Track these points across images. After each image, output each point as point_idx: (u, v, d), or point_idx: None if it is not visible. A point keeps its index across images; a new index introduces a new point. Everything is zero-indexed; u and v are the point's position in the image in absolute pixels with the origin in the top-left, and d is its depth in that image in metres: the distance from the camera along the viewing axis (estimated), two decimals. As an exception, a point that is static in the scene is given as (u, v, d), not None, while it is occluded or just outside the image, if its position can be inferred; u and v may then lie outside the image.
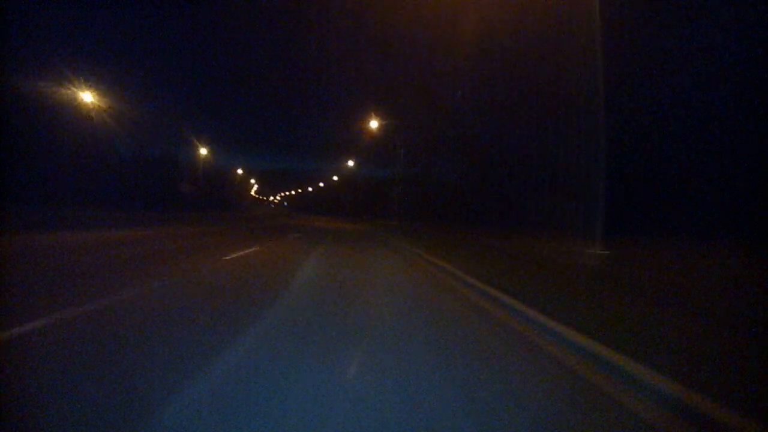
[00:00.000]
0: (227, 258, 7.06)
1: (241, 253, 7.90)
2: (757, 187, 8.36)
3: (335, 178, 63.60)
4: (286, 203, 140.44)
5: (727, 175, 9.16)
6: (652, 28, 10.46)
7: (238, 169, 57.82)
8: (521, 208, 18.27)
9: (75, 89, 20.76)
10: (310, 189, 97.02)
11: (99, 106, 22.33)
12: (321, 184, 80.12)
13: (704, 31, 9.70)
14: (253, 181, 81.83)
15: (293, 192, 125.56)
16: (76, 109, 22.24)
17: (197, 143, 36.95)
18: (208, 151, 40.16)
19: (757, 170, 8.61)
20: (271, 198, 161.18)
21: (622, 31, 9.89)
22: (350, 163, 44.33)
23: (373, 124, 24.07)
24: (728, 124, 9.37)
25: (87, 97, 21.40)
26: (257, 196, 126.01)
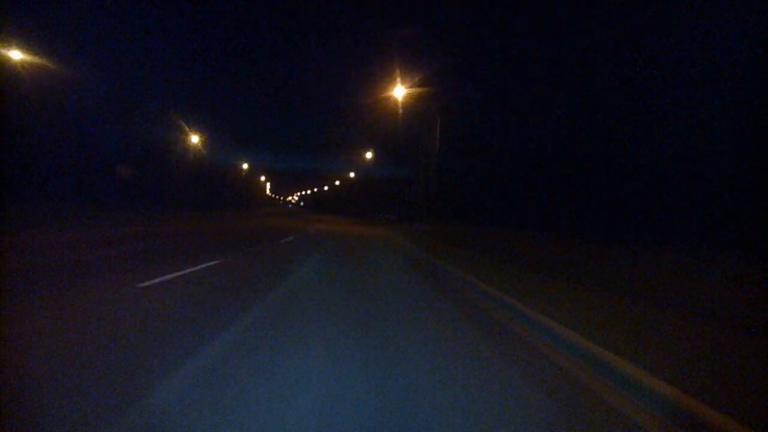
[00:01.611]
0: None
1: None
2: None
3: (352, 174, 57.53)
4: (302, 203, 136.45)
5: None
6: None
7: (243, 164, 52.35)
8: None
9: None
10: (326, 188, 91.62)
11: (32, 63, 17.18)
12: (337, 183, 74.37)
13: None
14: (263, 178, 76.87)
15: (308, 192, 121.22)
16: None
17: (188, 131, 31.48)
18: (206, 144, 34.76)
19: None
20: (289, 198, 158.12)
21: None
22: (368, 155, 38.03)
23: (399, 92, 17.71)
24: None
25: (16, 55, 16.28)
26: (272, 195, 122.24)
